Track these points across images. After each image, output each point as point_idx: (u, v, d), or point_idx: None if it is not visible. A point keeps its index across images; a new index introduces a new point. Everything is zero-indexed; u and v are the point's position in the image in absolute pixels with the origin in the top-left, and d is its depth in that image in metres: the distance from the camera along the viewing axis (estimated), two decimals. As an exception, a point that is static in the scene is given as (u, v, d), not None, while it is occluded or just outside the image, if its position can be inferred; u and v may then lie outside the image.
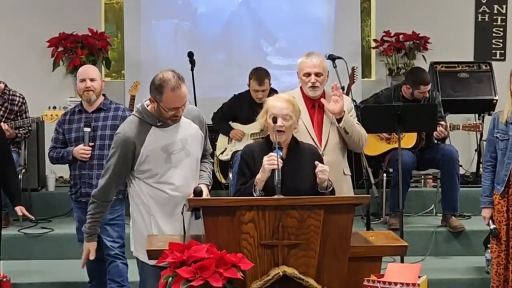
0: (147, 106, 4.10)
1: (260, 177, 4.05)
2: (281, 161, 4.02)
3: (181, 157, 4.09)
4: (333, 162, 4.75)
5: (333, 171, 4.69)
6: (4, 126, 6.39)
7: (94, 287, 5.36)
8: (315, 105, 4.87)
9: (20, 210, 5.15)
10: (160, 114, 4.04)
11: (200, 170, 4.28)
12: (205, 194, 4.12)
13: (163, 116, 4.04)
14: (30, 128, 6.78)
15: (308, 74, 4.80)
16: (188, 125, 4.16)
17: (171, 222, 4.10)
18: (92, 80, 5.18)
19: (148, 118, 4.08)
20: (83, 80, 5.20)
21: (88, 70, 5.29)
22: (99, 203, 4.19)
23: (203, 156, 4.32)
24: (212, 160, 4.48)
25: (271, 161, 4.00)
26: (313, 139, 4.76)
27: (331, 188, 4.11)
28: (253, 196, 4.01)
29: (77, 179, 5.19)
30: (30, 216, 5.26)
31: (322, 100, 4.80)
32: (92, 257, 4.28)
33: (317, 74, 4.78)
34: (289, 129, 4.14)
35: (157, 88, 3.98)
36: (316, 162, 4.10)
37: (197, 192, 4.06)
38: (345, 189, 4.76)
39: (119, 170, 4.10)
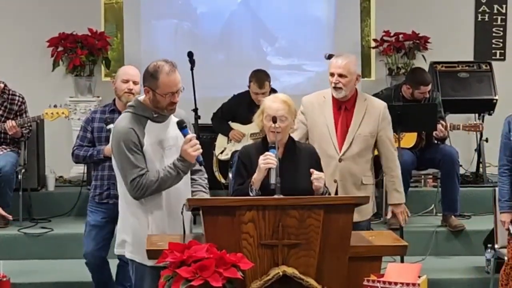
0: (142, 100, 4.08)
1: (257, 177, 4.06)
2: (277, 161, 4.02)
3: (173, 154, 4.04)
4: (348, 169, 4.74)
5: (348, 179, 4.67)
6: (11, 123, 6.38)
7: None
8: (341, 107, 4.83)
9: None
10: (157, 103, 4.01)
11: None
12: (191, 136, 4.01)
13: (160, 105, 4.01)
14: (30, 128, 6.77)
15: (332, 74, 4.79)
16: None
17: (162, 221, 4.05)
18: (134, 83, 5.10)
19: (143, 111, 4.04)
20: (127, 81, 5.09)
21: (133, 72, 5.15)
22: (151, 179, 3.95)
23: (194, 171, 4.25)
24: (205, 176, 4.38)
25: (267, 160, 4.01)
26: (333, 143, 4.74)
27: (326, 194, 4.11)
28: (250, 196, 4.01)
29: (104, 179, 5.05)
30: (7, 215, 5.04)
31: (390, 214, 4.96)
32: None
33: (340, 75, 4.74)
34: (284, 130, 4.15)
35: (152, 74, 3.98)
36: (312, 170, 4.09)
37: (180, 122, 4.01)
38: None
39: (135, 158, 3.95)
